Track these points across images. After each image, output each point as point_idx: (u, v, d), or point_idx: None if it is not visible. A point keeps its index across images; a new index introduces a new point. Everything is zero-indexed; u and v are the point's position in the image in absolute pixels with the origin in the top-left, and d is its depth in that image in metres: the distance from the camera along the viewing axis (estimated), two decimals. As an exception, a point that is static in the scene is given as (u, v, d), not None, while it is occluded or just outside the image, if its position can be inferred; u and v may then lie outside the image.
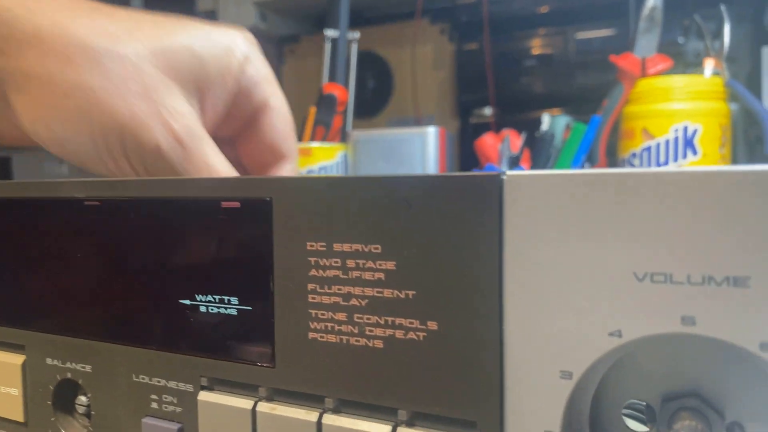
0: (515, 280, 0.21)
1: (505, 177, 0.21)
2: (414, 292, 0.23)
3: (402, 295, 0.23)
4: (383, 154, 0.76)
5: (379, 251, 0.23)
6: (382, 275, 0.23)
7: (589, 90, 1.04)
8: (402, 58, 1.21)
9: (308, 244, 0.24)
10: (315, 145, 0.76)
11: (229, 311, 0.26)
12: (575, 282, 0.20)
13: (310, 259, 0.24)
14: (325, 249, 0.24)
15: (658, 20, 0.69)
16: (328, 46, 0.81)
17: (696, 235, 0.19)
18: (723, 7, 0.72)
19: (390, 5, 1.26)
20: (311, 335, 0.25)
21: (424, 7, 1.13)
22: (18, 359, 0.32)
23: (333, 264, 0.24)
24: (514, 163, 0.72)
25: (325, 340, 0.24)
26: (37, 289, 0.31)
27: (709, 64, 0.68)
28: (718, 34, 0.88)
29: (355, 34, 0.83)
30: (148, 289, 0.28)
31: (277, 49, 1.31)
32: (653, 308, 0.19)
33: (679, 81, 0.67)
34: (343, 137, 0.80)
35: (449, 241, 0.22)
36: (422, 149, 0.75)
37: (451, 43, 1.17)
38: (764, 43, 0.89)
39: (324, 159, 0.77)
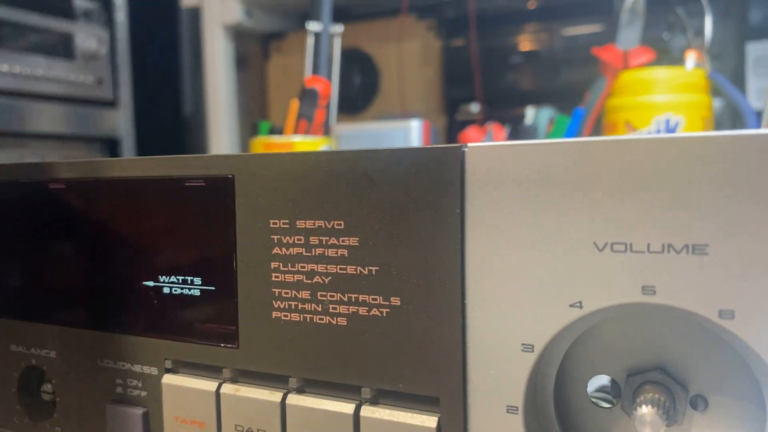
0: (476, 254, 0.21)
1: (466, 149, 0.21)
2: (377, 268, 0.22)
3: (365, 272, 0.23)
4: (366, 147, 0.76)
5: (342, 227, 0.23)
6: (345, 252, 0.23)
7: (576, 86, 1.04)
8: (388, 55, 1.21)
9: (271, 221, 0.24)
10: (297, 139, 0.76)
11: (192, 292, 0.26)
12: (536, 253, 0.20)
13: (273, 237, 0.24)
14: (288, 226, 0.24)
15: (640, 12, 0.69)
16: (310, 40, 0.81)
17: (655, 204, 0.19)
18: (704, 0, 0.72)
19: (376, 2, 1.26)
20: (275, 314, 0.24)
21: (411, 4, 1.13)
22: (-19, 346, 0.32)
23: (296, 241, 0.24)
24: (498, 156, 0.72)
25: (288, 318, 0.24)
26: None
27: (691, 57, 0.68)
28: (701, 29, 0.89)
29: (339, 28, 0.83)
30: (111, 272, 0.28)
31: (263, 45, 1.30)
32: (614, 278, 0.19)
33: (661, 73, 0.67)
34: (326, 131, 0.80)
35: (412, 215, 0.22)
36: (405, 143, 0.75)
37: (438, 39, 1.17)
38: (748, 39, 0.89)
39: (306, 153, 0.76)
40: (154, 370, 0.27)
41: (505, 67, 1.10)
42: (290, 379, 0.24)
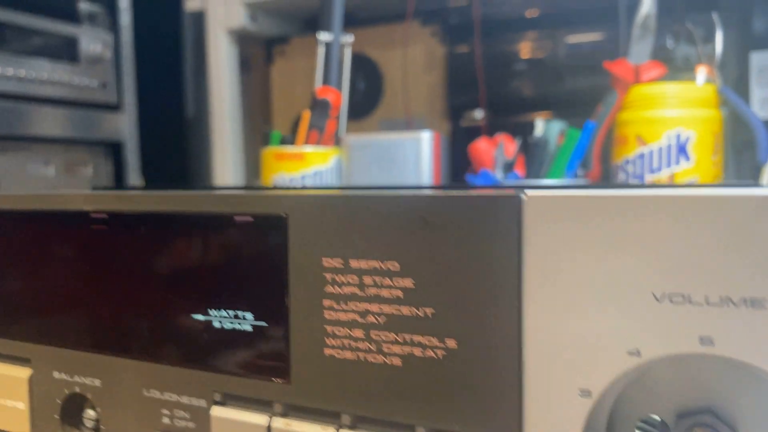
0: (535, 299, 0.22)
1: (524, 197, 0.22)
2: (433, 310, 0.23)
3: (420, 313, 0.23)
4: (377, 158, 0.76)
5: (396, 269, 0.23)
6: (400, 293, 0.24)
7: (579, 93, 1.05)
8: (392, 60, 1.21)
9: (324, 260, 0.25)
10: (309, 149, 0.76)
11: (243, 326, 0.26)
12: (594, 301, 0.21)
13: (326, 275, 0.25)
14: (341, 266, 0.24)
15: (651, 27, 0.70)
16: (321, 50, 0.81)
17: (714, 257, 0.19)
18: (715, 15, 0.73)
19: (380, 7, 1.26)
20: (327, 351, 0.25)
21: (415, 9, 1.14)
22: (24, 373, 0.32)
23: (350, 281, 0.24)
24: (509, 168, 0.73)
25: (341, 356, 0.25)
26: (44, 302, 0.31)
27: (702, 72, 0.69)
28: (707, 39, 0.89)
29: (349, 38, 0.83)
30: (159, 303, 0.28)
31: (266, 49, 1.31)
32: (672, 328, 0.20)
33: (673, 88, 0.67)
34: (337, 141, 0.80)
35: (468, 259, 0.22)
36: (417, 154, 0.75)
37: (442, 45, 1.18)
38: (752, 48, 0.90)
39: (318, 163, 0.77)
40: (202, 402, 0.28)
41: (509, 74, 1.10)
42: (342, 415, 0.25)
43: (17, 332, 0.32)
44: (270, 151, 0.78)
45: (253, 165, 1.45)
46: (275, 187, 0.23)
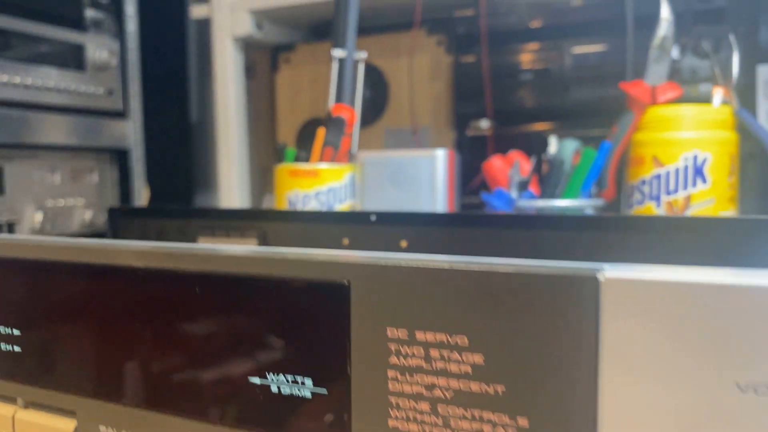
0: (611, 383, 0.21)
1: (602, 279, 0.21)
2: (504, 387, 0.23)
3: (491, 390, 0.23)
4: (391, 176, 0.76)
5: (465, 344, 0.23)
6: (468, 368, 0.23)
7: (585, 104, 1.05)
8: (398, 69, 1.21)
9: (388, 330, 0.24)
10: (323, 166, 0.76)
11: (302, 392, 0.26)
12: (674, 390, 0.20)
13: (390, 345, 0.24)
14: (406, 337, 0.24)
15: (668, 49, 0.69)
16: (335, 66, 0.81)
17: (803, 350, 0.19)
18: (732, 37, 0.73)
19: (386, 16, 1.26)
20: (391, 423, 0.24)
21: (421, 19, 1.13)
22: (69, 425, 0.31)
23: (415, 353, 0.24)
24: (523, 187, 0.72)
25: (406, 428, 0.24)
26: (93, 354, 0.31)
27: (718, 93, 0.69)
28: (715, 51, 0.89)
29: (362, 54, 0.82)
30: (214, 363, 0.28)
31: (272, 56, 1.30)
32: (757, 422, 0.20)
33: (689, 110, 0.67)
34: (351, 158, 0.80)
35: (542, 338, 0.22)
36: (431, 172, 0.75)
37: (448, 54, 1.18)
38: (759, 61, 0.90)
39: (332, 180, 0.76)
40: (258, 466, 0.27)
41: (515, 84, 1.10)
42: (407, 487, 0.24)
43: (63, 384, 0.31)
44: (284, 168, 0.78)
45: (258, 172, 1.44)
46: (338, 252, 0.23)
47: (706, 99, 0.88)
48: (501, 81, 1.10)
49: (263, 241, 0.62)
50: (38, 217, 1.10)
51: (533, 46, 1.09)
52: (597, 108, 1.05)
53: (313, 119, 1.26)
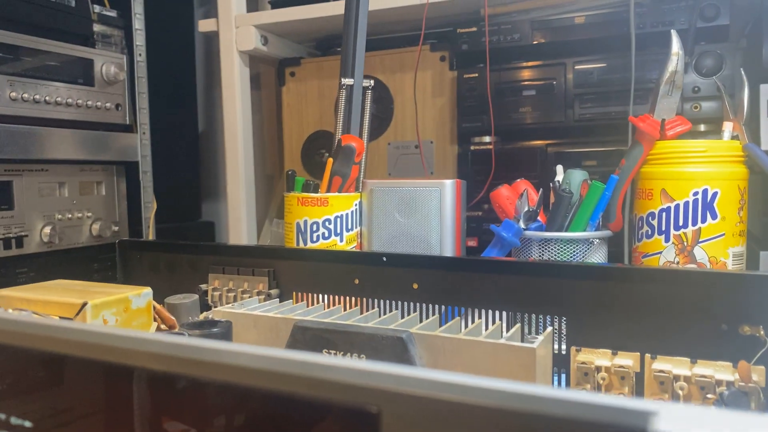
0: None
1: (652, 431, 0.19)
2: None
3: None
4: (399, 205, 0.73)
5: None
6: None
7: (587, 120, 1.02)
8: (402, 84, 1.18)
9: (420, 463, 0.22)
10: (332, 195, 0.73)
11: None
12: None
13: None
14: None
15: (679, 84, 0.66)
16: (343, 94, 0.78)
17: None
18: (742, 71, 0.70)
19: (390, 31, 1.23)
20: None
21: (425, 35, 1.10)
22: None
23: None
24: (532, 218, 0.70)
25: None
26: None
27: (728, 128, 0.66)
28: (717, 69, 0.86)
29: (370, 81, 0.79)
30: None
31: (278, 69, 1.27)
32: None
33: (699, 145, 0.64)
34: (358, 185, 0.77)
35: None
36: (439, 202, 0.72)
37: (452, 70, 1.15)
38: (762, 80, 0.87)
39: (340, 209, 0.73)
40: None
41: (518, 100, 1.07)
42: None
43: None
44: (293, 196, 0.75)
45: (264, 180, 1.41)
46: (370, 371, 0.20)
47: (707, 117, 0.85)
48: (504, 97, 1.07)
49: (273, 278, 0.60)
50: (47, 230, 1.07)
51: (536, 62, 1.06)
52: (599, 124, 1.02)
53: (318, 132, 1.23)
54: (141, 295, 0.53)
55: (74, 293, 0.52)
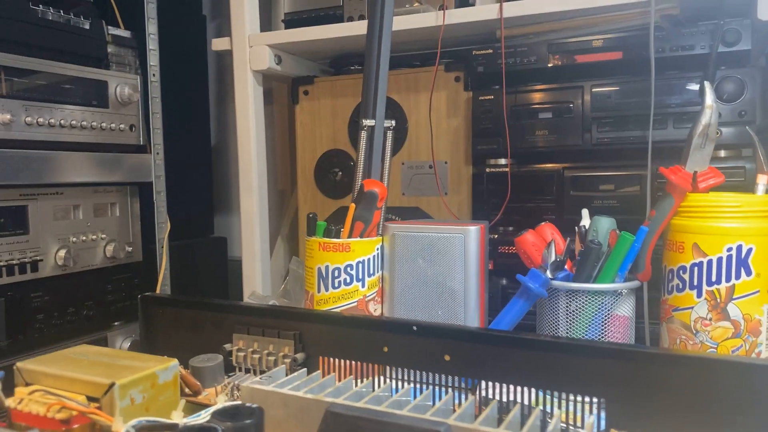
0: None
1: None
2: None
3: None
4: (423, 251, 0.70)
5: None
6: None
7: (605, 144, 0.99)
8: (416, 103, 1.15)
9: None
10: (354, 240, 0.70)
11: None
12: None
13: None
14: None
15: (712, 137, 0.63)
16: (363, 135, 0.74)
17: None
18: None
19: (404, 50, 1.19)
20: None
21: (440, 55, 1.07)
22: None
23: None
24: (559, 268, 0.67)
25: None
26: None
27: (763, 180, 0.62)
28: (736, 96, 0.83)
29: (391, 122, 0.76)
30: None
31: (292, 89, 1.23)
32: None
33: (733, 199, 0.61)
34: (380, 229, 0.74)
35: None
36: (463, 248, 0.69)
37: (467, 91, 1.11)
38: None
39: (362, 254, 0.70)
40: None
41: (534, 123, 1.04)
42: None
43: None
44: (315, 241, 0.72)
45: (277, 195, 1.38)
46: None
47: (728, 143, 0.81)
48: (520, 119, 1.03)
49: (300, 342, 0.57)
50: (62, 253, 1.04)
51: (552, 85, 1.03)
52: (617, 148, 0.99)
53: (331, 151, 1.20)
54: (167, 369, 0.51)
55: (100, 369, 0.49)
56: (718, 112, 0.62)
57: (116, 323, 1.14)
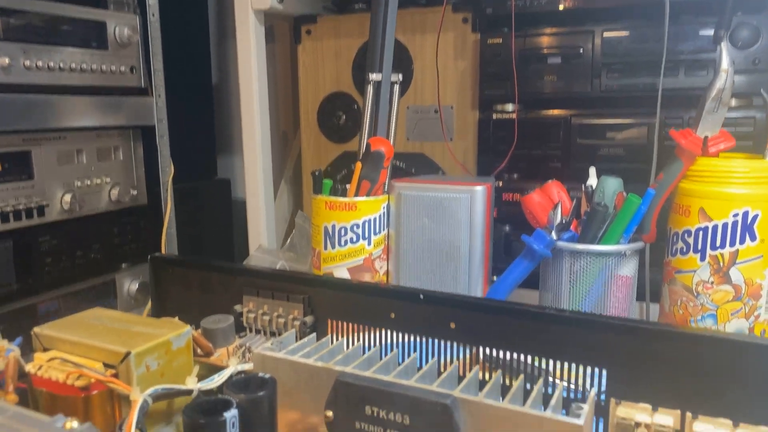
0: None
1: None
2: None
3: None
4: (429, 211, 0.70)
5: None
6: None
7: (614, 92, 0.99)
8: (422, 46, 1.13)
9: None
10: (360, 200, 0.70)
11: None
12: None
13: None
14: None
15: (726, 101, 0.62)
16: (370, 90, 0.74)
17: None
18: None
19: (412, -9, 1.16)
20: None
21: (446, -8, 1.04)
22: None
23: None
24: (565, 228, 0.68)
25: None
26: None
27: (773, 146, 0.62)
28: (753, 43, 0.82)
29: (398, 75, 0.75)
30: None
31: (294, 28, 1.21)
32: None
33: (741, 165, 0.61)
34: (385, 188, 0.74)
35: None
36: (470, 209, 0.69)
37: (474, 33, 1.09)
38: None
39: (368, 213, 0.71)
40: None
41: (543, 68, 1.03)
42: None
43: None
44: (321, 200, 0.72)
45: (280, 137, 1.38)
46: None
47: (739, 91, 0.81)
48: (528, 64, 1.02)
49: (308, 305, 0.58)
50: (67, 198, 1.05)
51: (563, 29, 1.01)
52: (626, 96, 0.98)
53: (334, 93, 1.19)
54: (180, 336, 0.52)
55: (115, 336, 0.51)
56: (733, 77, 0.61)
57: (123, 265, 1.16)
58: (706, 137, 0.63)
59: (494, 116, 1.07)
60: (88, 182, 1.09)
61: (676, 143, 0.64)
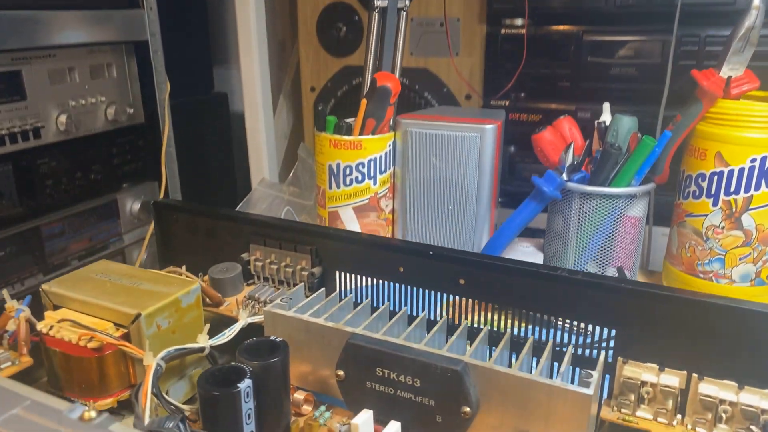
0: None
1: None
2: None
3: None
4: (437, 150, 0.68)
5: None
6: None
7: (629, 7, 0.94)
8: (428, -47, 1.06)
9: None
10: (366, 138, 0.68)
11: None
12: None
13: None
14: None
15: (754, 41, 0.59)
16: (375, 18, 0.69)
17: None
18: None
19: None
20: None
21: None
22: None
23: None
24: (576, 169, 0.66)
25: None
26: None
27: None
28: None
29: (405, 1, 0.71)
30: None
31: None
32: None
33: (762, 109, 0.59)
34: (392, 125, 0.72)
35: None
36: (479, 149, 0.67)
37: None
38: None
39: (374, 152, 0.69)
40: None
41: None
42: None
43: None
44: (325, 138, 0.70)
45: (276, 46, 1.32)
46: None
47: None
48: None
49: (316, 256, 0.58)
50: (62, 118, 1.02)
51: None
52: (641, 11, 0.94)
53: (334, 3, 1.13)
54: (190, 293, 0.52)
55: (124, 295, 0.51)
56: (764, 14, 0.58)
57: (124, 185, 1.15)
58: (729, 78, 0.60)
59: (503, 31, 1.03)
60: (83, 101, 1.05)
61: (698, 84, 0.61)
